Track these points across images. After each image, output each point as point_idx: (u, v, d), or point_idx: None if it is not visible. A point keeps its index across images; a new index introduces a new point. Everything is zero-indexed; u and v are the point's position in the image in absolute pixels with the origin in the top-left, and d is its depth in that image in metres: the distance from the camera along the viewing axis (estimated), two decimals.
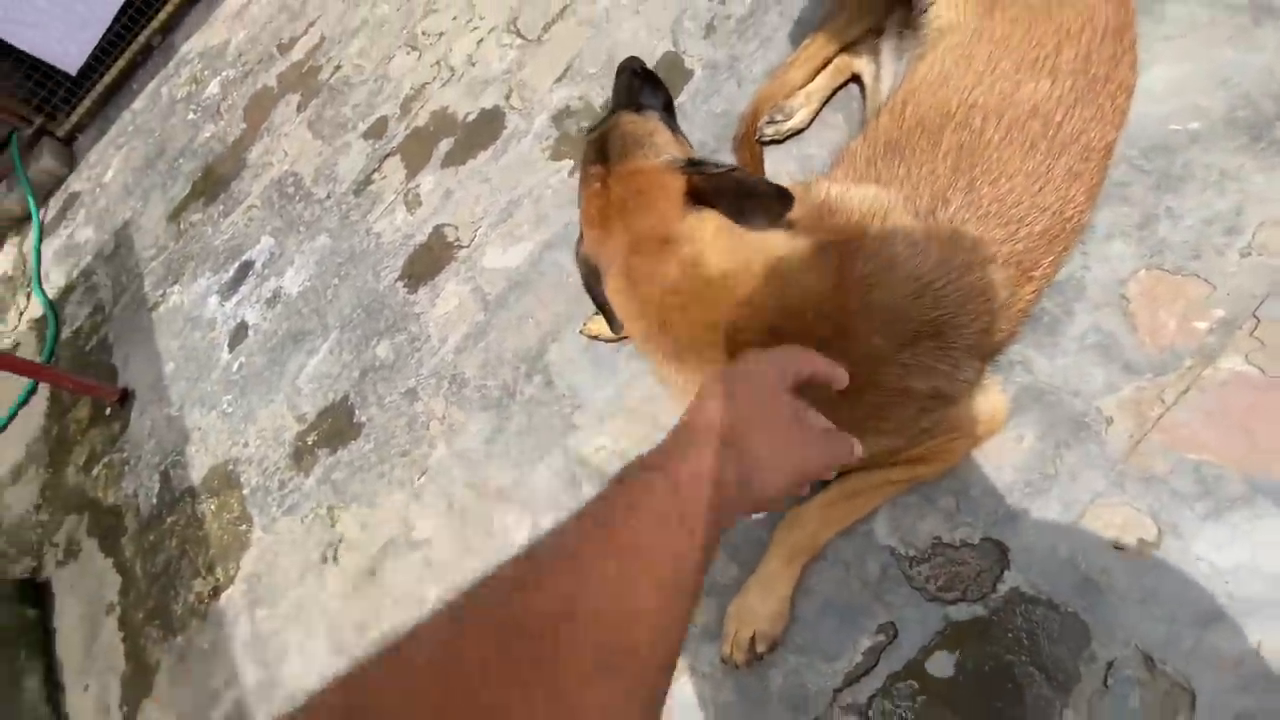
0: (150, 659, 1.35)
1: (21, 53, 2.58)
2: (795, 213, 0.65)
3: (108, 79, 2.78)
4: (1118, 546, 0.69)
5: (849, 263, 0.64)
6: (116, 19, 2.67)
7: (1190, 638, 0.64)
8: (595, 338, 1.09)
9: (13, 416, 2.06)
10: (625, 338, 0.98)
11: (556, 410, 1.10)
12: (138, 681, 1.35)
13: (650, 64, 0.90)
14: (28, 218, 2.73)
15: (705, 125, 1.18)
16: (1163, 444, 0.71)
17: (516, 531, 1.05)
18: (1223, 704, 0.61)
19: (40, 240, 2.60)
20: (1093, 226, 0.80)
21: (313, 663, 1.14)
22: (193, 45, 2.63)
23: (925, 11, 0.82)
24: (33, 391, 2.07)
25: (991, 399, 0.75)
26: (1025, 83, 0.72)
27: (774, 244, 0.64)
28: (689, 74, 1.26)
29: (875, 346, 0.63)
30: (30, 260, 2.56)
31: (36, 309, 2.36)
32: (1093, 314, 0.78)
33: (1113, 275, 0.79)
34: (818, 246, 0.64)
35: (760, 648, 0.78)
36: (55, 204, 2.70)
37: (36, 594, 1.61)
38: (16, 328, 2.38)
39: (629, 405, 1.03)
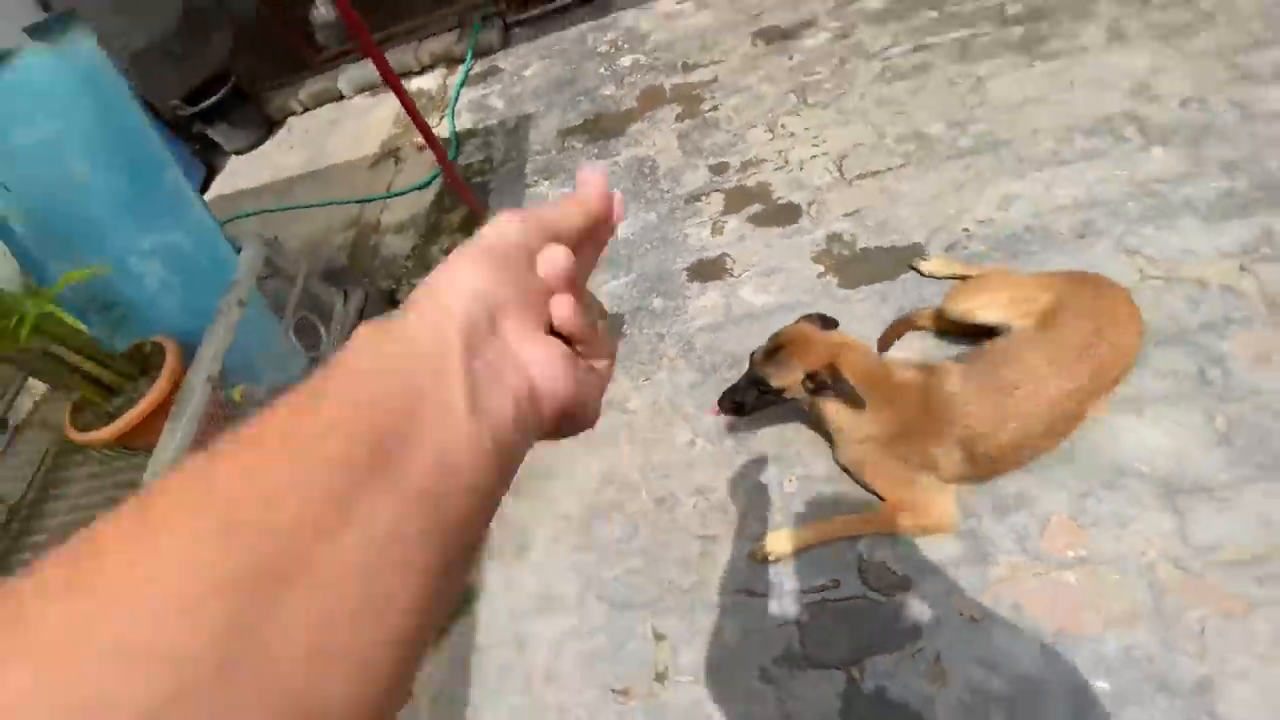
0: None
1: None
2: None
3: (557, 4, 3.86)
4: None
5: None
6: None
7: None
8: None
9: (413, 188, 3.19)
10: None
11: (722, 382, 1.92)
12: None
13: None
14: (460, 61, 3.90)
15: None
16: None
17: (682, 438, 1.89)
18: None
19: (463, 83, 3.75)
20: None
21: None
22: (625, 18, 3.62)
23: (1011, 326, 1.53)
24: (430, 182, 3.18)
25: (949, 509, 1.48)
26: (1051, 377, 1.41)
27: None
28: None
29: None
30: (450, 93, 3.72)
31: (443, 130, 3.49)
32: None
33: None
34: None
35: (768, 560, 1.57)
36: (481, 65, 3.83)
37: (395, 303, 2.68)
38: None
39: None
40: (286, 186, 3.59)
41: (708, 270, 2.26)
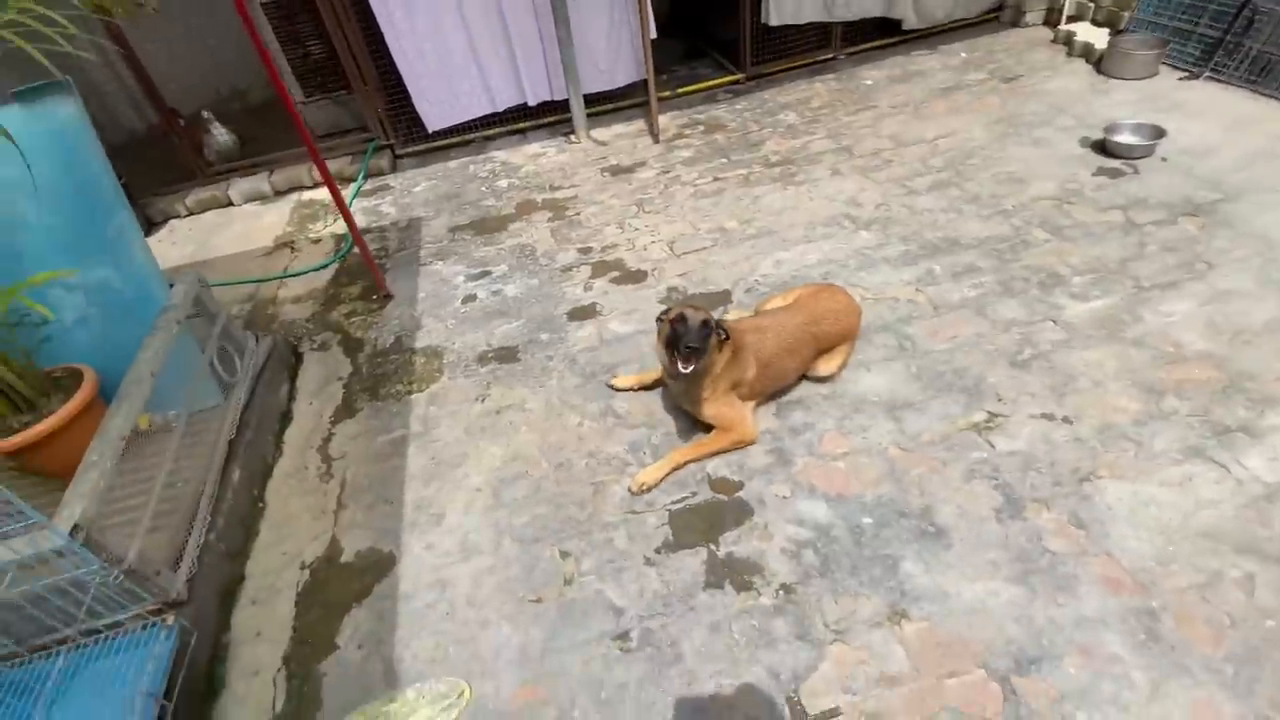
0: (357, 405, 2.64)
1: (404, 99, 4.51)
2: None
3: (439, 143, 4.71)
4: None
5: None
6: (466, 123, 4.65)
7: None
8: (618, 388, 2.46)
9: (313, 268, 3.55)
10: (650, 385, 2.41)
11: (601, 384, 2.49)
12: (343, 410, 2.63)
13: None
14: (351, 180, 4.50)
15: None
16: None
17: (572, 421, 2.39)
18: None
19: (356, 194, 4.31)
20: None
21: (452, 433, 2.43)
22: (499, 155, 4.54)
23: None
24: (329, 265, 3.58)
25: (753, 423, 2.13)
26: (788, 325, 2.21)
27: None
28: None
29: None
30: (346, 200, 4.24)
31: (339, 228, 3.97)
32: None
33: None
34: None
35: (644, 490, 2.08)
36: (372, 184, 4.46)
37: (297, 358, 2.95)
38: (322, 232, 3.98)
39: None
40: (174, 272, 3.73)
41: (582, 314, 2.92)
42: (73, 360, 2.24)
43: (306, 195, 4.42)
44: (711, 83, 5.00)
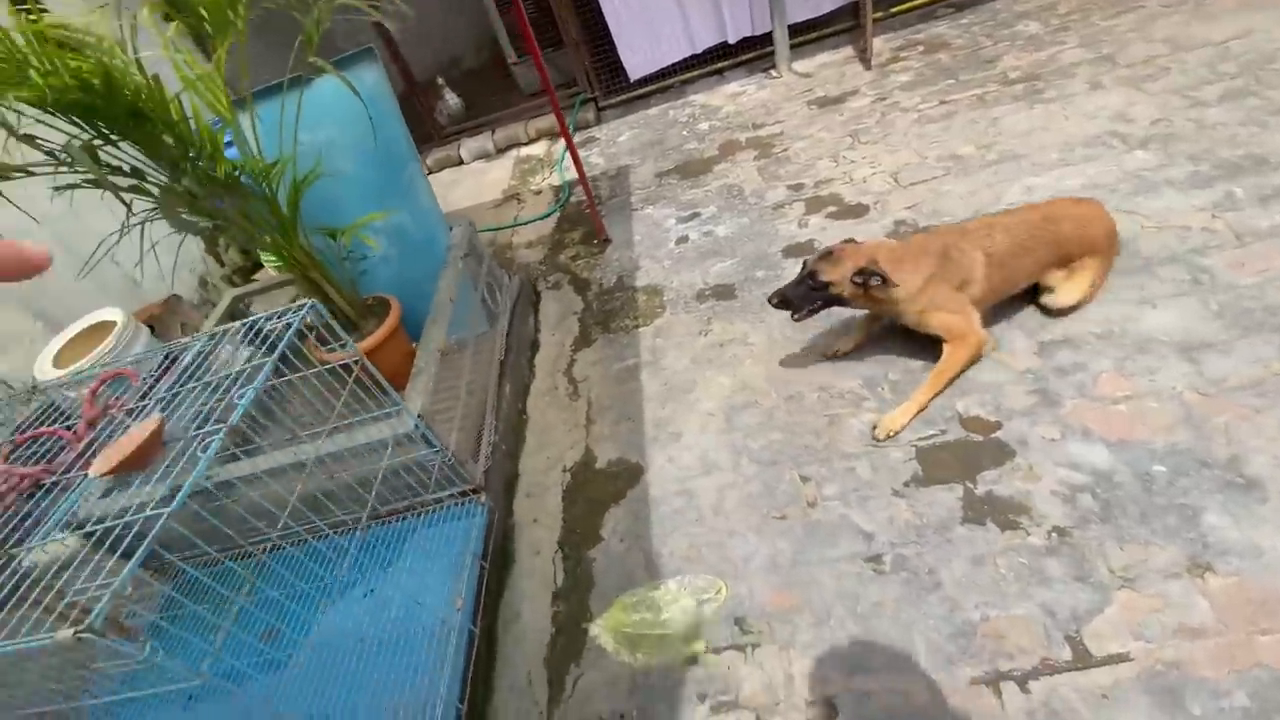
0: (591, 337, 2.92)
1: (606, 52, 4.67)
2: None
3: (639, 91, 4.84)
4: None
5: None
6: (665, 69, 4.71)
7: None
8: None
9: (543, 217, 3.92)
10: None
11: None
12: (580, 340, 2.92)
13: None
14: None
15: None
16: None
17: (797, 356, 2.41)
18: None
19: (566, 148, 4.62)
20: None
21: (679, 362, 2.59)
22: (698, 98, 4.56)
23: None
24: (551, 214, 3.92)
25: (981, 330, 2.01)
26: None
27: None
28: None
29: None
30: (556, 154, 4.59)
31: (555, 179, 4.30)
32: None
33: None
34: None
35: (890, 436, 2.05)
36: (580, 136, 4.74)
37: (536, 295, 3.31)
38: (541, 184, 4.34)
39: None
40: None
41: (799, 250, 2.89)
42: (378, 291, 2.73)
43: (524, 151, 4.82)
44: None
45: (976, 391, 2.08)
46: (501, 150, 4.95)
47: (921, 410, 2.06)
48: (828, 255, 2.06)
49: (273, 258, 3.84)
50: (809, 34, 4.53)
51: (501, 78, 5.62)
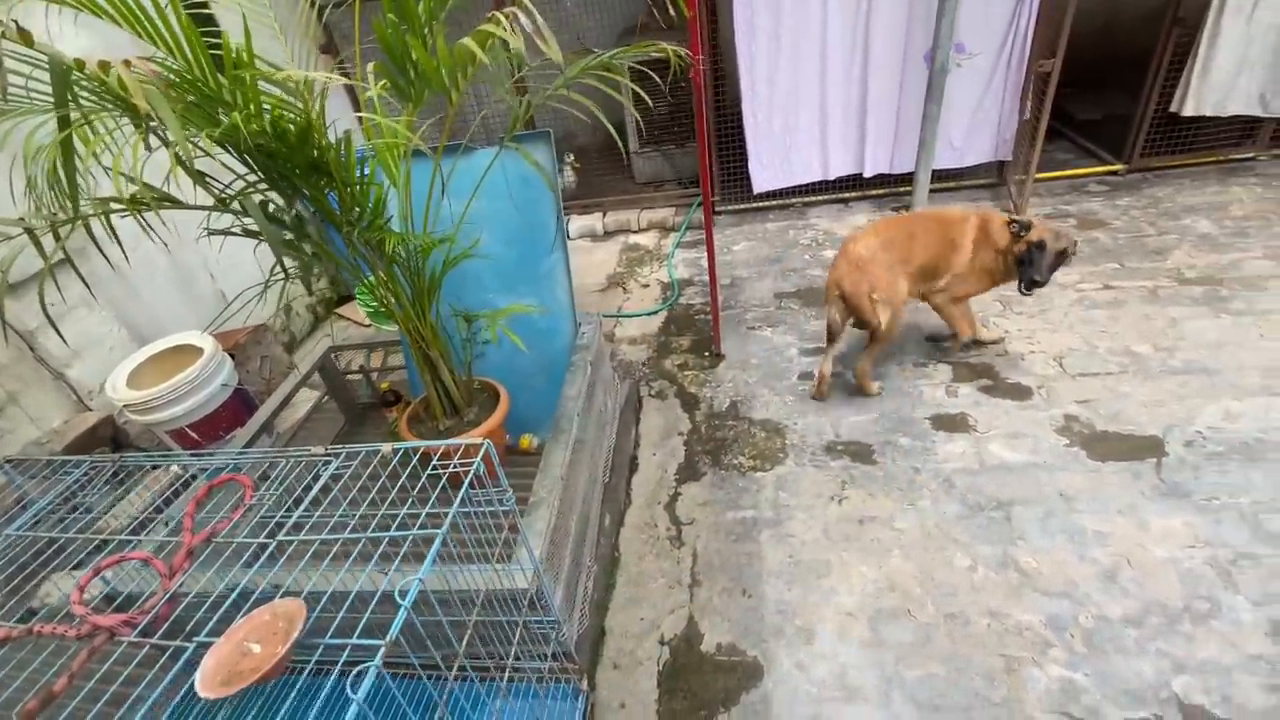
0: (699, 467, 2.59)
1: (731, 158, 4.59)
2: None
3: (760, 204, 4.74)
4: None
5: None
6: (790, 188, 4.61)
7: None
8: None
9: (650, 313, 3.70)
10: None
11: (992, 520, 2.10)
12: (686, 471, 2.59)
13: None
14: (671, 230, 4.71)
15: None
16: None
17: (960, 562, 2.03)
18: None
19: (676, 245, 4.49)
20: None
21: (808, 531, 2.23)
22: (820, 222, 4.42)
23: None
24: (658, 311, 3.70)
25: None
26: None
27: None
28: None
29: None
30: (667, 250, 4.44)
31: (663, 275, 4.12)
32: None
33: None
34: None
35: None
36: (693, 235, 4.61)
37: (639, 403, 3.02)
38: (649, 277, 4.17)
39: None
40: None
41: (950, 424, 2.56)
42: (483, 375, 2.48)
43: (632, 239, 4.70)
44: (1079, 170, 4.36)
45: (1196, 669, 1.66)
46: (609, 234, 4.84)
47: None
48: (1028, 229, 2.49)
49: (371, 302, 3.63)
50: (947, 182, 4.41)
51: (614, 161, 5.62)
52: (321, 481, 1.13)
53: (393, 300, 1.94)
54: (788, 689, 1.78)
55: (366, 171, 1.65)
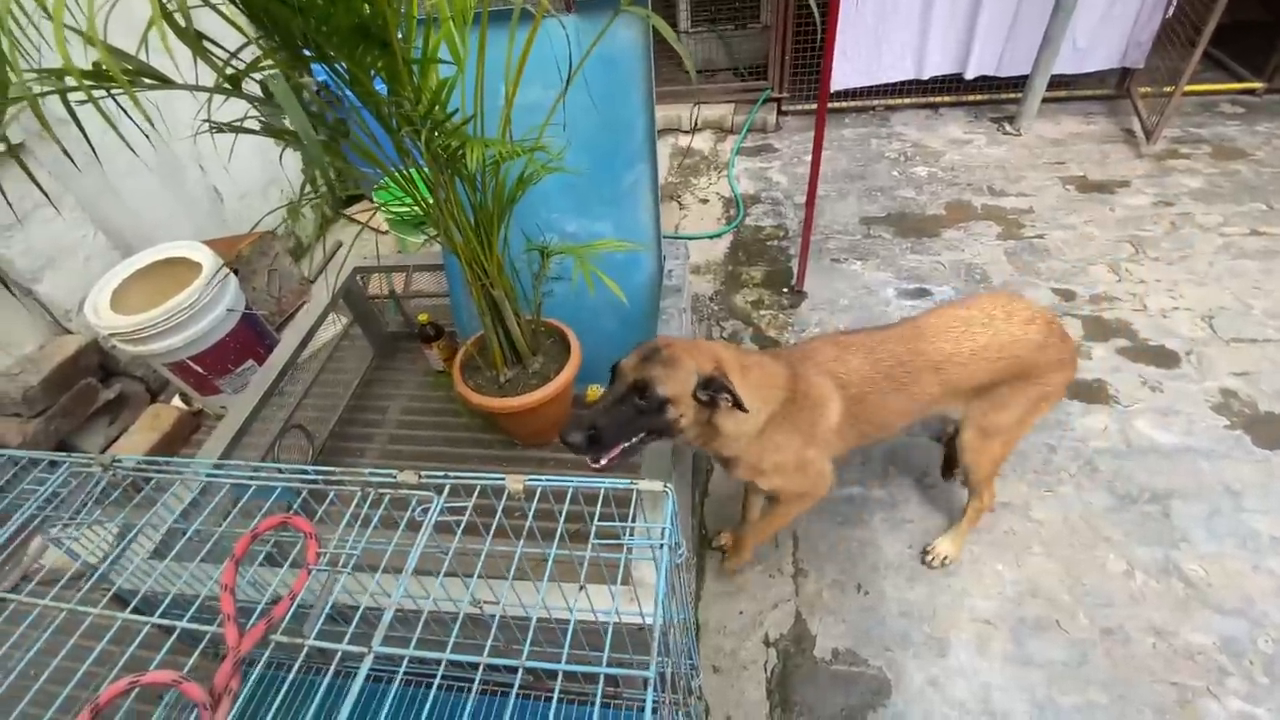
0: None
1: (808, 47, 3.91)
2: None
3: (835, 105, 4.08)
4: None
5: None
6: (871, 87, 3.94)
7: None
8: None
9: (714, 236, 3.21)
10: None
11: (1148, 514, 1.80)
12: None
13: None
14: (731, 132, 4.08)
15: None
16: None
17: (1115, 566, 1.76)
18: None
19: (737, 150, 3.89)
20: None
21: (931, 518, 1.93)
22: (908, 131, 3.81)
23: None
24: (723, 234, 3.21)
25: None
26: None
27: None
28: None
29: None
30: (725, 157, 3.85)
31: (723, 188, 3.58)
32: None
33: None
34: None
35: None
36: (754, 139, 4.00)
37: (708, 335, 2.62)
38: (707, 190, 3.62)
39: None
40: None
41: (1089, 393, 2.20)
42: (548, 314, 2.06)
43: (683, 141, 4.08)
44: (1207, 86, 3.73)
45: None
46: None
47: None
48: (655, 354, 1.20)
49: (395, 206, 3.07)
50: (1057, 90, 3.77)
51: (660, 44, 4.83)
52: (425, 534, 0.76)
53: (453, 226, 1.48)
54: (920, 710, 1.54)
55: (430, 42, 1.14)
